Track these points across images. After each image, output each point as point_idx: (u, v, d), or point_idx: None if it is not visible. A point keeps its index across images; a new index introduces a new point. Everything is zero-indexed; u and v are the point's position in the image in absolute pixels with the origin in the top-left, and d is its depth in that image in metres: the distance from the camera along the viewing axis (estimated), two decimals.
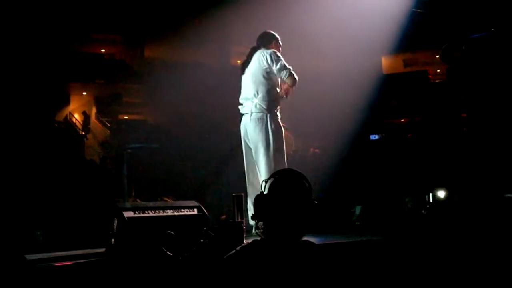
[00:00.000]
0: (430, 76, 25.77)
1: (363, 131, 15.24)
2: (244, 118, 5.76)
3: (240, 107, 5.86)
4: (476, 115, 7.07)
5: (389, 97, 22.53)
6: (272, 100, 5.65)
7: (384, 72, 25.33)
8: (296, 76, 5.67)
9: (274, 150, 5.52)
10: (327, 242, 4.19)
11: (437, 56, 23.79)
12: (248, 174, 5.76)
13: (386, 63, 26.04)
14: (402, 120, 24.56)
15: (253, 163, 5.69)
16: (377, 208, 6.84)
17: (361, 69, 18.16)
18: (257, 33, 6.03)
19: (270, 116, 5.57)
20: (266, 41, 5.89)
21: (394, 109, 23.74)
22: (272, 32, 5.99)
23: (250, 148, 5.72)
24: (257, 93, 5.62)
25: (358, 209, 6.88)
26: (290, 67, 5.65)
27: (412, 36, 14.37)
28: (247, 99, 5.73)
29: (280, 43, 5.97)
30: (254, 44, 5.95)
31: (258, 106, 5.59)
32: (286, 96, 5.79)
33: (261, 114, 5.57)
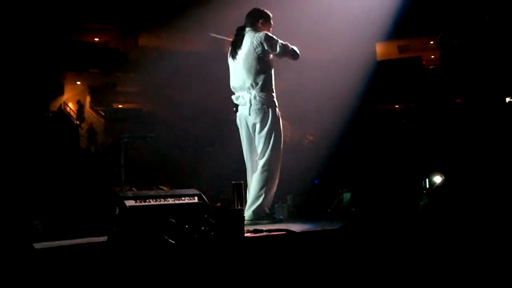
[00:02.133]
0: (424, 62, 25.81)
1: (357, 117, 15.25)
2: (241, 109, 5.62)
3: (234, 97, 5.68)
4: (472, 100, 7.12)
5: (383, 83, 22.53)
6: (270, 89, 5.54)
7: (379, 58, 25.36)
8: (297, 50, 5.61)
9: (274, 141, 5.51)
10: (327, 228, 4.22)
11: (431, 42, 23.90)
12: (248, 163, 5.74)
13: (380, 49, 26.06)
14: (397, 106, 24.61)
15: (253, 152, 5.67)
16: (371, 194, 6.84)
17: (355, 56, 18.15)
18: None
19: (271, 107, 5.50)
20: (253, 19, 5.64)
21: (388, 96, 23.76)
22: (261, 9, 5.73)
23: (250, 138, 5.66)
24: (255, 84, 5.45)
25: (347, 196, 6.82)
26: (287, 43, 5.55)
27: (407, 22, 14.39)
28: (242, 89, 5.56)
29: (271, 21, 5.77)
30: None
31: (257, 98, 5.45)
32: None
33: (261, 105, 5.48)
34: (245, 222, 4.41)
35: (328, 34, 16.78)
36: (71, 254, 3.21)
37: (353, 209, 6.13)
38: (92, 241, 3.80)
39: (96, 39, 25.61)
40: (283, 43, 5.52)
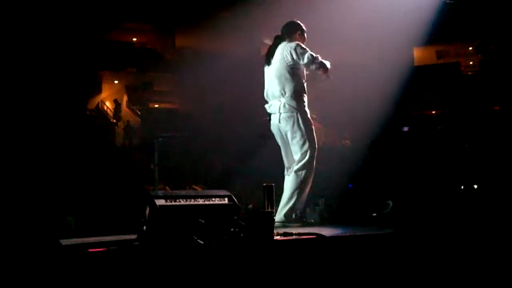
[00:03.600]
0: (462, 68, 25.51)
1: (393, 122, 15.16)
2: (273, 117, 5.68)
3: (266, 106, 5.76)
4: (510, 108, 7.00)
5: (421, 89, 22.35)
6: (300, 97, 5.54)
7: (416, 63, 25.13)
8: (327, 64, 5.57)
9: (309, 147, 5.52)
10: (357, 234, 4.18)
11: (470, 48, 23.62)
12: (285, 167, 5.76)
13: (418, 54, 25.82)
14: (433, 112, 24.38)
15: (289, 157, 5.70)
16: (408, 201, 6.77)
17: (392, 61, 18.00)
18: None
19: (300, 114, 5.51)
20: (290, 30, 5.74)
21: (425, 101, 23.56)
22: (298, 22, 5.80)
23: (285, 144, 5.70)
24: (284, 92, 5.49)
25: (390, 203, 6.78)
26: (318, 56, 5.53)
27: (445, 27, 14.21)
28: (273, 97, 5.61)
29: (305, 35, 5.82)
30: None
31: (287, 106, 5.49)
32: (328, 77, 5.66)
33: (291, 113, 5.51)
34: (276, 224, 4.39)
35: (366, 39, 16.68)
36: (100, 251, 3.23)
37: (388, 211, 6.07)
38: (121, 239, 3.82)
39: (134, 39, 25.91)
40: (314, 55, 5.51)
